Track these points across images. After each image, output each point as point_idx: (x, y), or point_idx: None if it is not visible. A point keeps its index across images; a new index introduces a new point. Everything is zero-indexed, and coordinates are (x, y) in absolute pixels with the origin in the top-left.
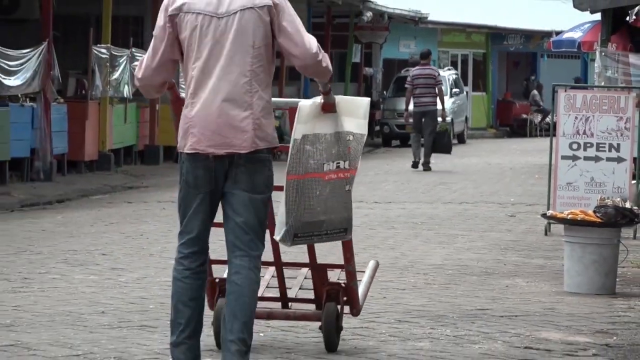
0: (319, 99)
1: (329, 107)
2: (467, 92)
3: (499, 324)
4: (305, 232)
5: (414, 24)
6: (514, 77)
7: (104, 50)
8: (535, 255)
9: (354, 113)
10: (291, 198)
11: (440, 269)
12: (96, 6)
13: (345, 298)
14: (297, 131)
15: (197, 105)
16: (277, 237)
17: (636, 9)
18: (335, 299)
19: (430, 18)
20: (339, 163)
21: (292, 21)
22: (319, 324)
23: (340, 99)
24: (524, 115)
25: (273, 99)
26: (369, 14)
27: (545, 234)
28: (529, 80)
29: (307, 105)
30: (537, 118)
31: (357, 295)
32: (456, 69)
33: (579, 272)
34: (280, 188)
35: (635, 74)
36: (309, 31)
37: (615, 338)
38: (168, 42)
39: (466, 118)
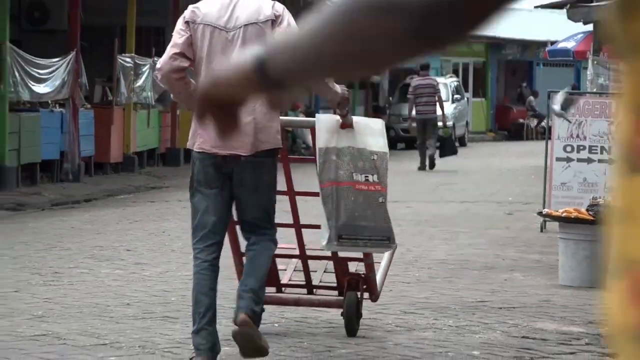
0: (336, 115)
1: (347, 126)
2: (467, 98)
3: (498, 315)
4: (349, 234)
5: None
6: (511, 84)
7: (128, 59)
8: (531, 251)
9: (373, 132)
10: (329, 204)
11: (443, 263)
12: (121, 18)
13: (364, 287)
14: (320, 140)
15: None
16: (323, 243)
17: None
18: (355, 288)
19: None
20: (367, 176)
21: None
22: (333, 313)
23: (357, 119)
24: (521, 120)
25: (290, 118)
26: None
27: (541, 231)
28: (522, 87)
29: (326, 117)
30: (533, 122)
31: (375, 284)
32: (457, 76)
33: (573, 267)
34: (316, 194)
35: None
36: None
37: (606, 328)
38: (185, 41)
39: (467, 122)
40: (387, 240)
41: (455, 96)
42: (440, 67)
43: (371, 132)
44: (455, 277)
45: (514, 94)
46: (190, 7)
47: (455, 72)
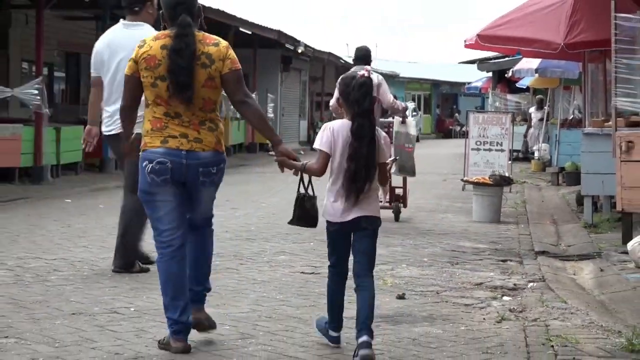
0: (401, 118)
1: (404, 121)
2: (420, 114)
3: (438, 237)
4: (403, 168)
5: (392, 78)
6: (445, 107)
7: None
8: (457, 201)
9: (411, 125)
10: (402, 156)
11: (407, 210)
12: None
13: (401, 199)
14: (396, 128)
15: None
16: (392, 171)
17: (510, 71)
18: (397, 200)
19: (401, 75)
20: (409, 145)
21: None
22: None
23: (408, 121)
24: (450, 127)
25: (389, 119)
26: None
27: (463, 190)
28: (453, 108)
29: (397, 120)
30: (457, 128)
31: (406, 199)
32: (415, 101)
33: (479, 210)
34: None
35: (510, 105)
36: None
37: (500, 245)
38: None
39: (420, 128)
40: (413, 172)
41: (414, 113)
42: (404, 97)
43: (411, 126)
44: (412, 216)
45: (447, 112)
46: None
47: (414, 99)
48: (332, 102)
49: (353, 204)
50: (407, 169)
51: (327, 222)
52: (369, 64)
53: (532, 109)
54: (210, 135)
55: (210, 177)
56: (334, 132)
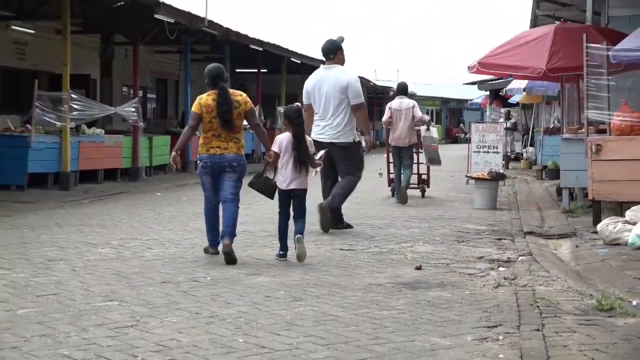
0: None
1: (429, 129)
2: (433, 124)
3: (447, 221)
4: (431, 160)
5: (411, 96)
6: (452, 118)
7: (281, 110)
8: (462, 192)
9: (433, 132)
10: (429, 152)
11: (423, 199)
12: (277, 90)
13: (426, 182)
14: (423, 134)
15: None
16: (434, 164)
17: (503, 90)
18: (423, 182)
19: (417, 94)
20: (433, 144)
21: None
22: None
23: (431, 129)
24: (457, 134)
25: (427, 134)
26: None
27: (467, 184)
28: (460, 119)
29: (424, 128)
30: (462, 135)
31: (429, 182)
32: (429, 114)
33: (480, 199)
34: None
35: (503, 117)
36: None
37: (496, 227)
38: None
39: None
40: (439, 162)
41: (429, 123)
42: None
43: (434, 132)
44: (428, 203)
45: (455, 122)
46: None
47: (427, 112)
48: (385, 118)
49: (291, 180)
50: (435, 161)
51: (279, 189)
52: (406, 94)
53: (501, 119)
54: (234, 145)
55: (233, 169)
56: (282, 140)
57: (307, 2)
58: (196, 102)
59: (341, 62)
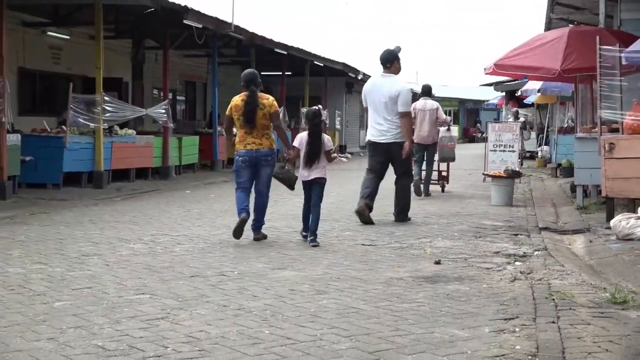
0: (445, 128)
1: (449, 129)
2: (451, 124)
3: (465, 217)
4: (445, 159)
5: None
6: (469, 118)
7: (304, 110)
8: (480, 189)
9: (454, 132)
10: (444, 151)
11: (443, 195)
12: (301, 91)
13: (445, 179)
14: (441, 134)
15: None
16: (448, 161)
17: (519, 91)
18: (442, 179)
19: (436, 95)
20: (449, 143)
21: None
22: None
23: (452, 129)
24: (474, 134)
25: (446, 134)
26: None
27: (484, 181)
28: (476, 119)
29: (444, 129)
30: (479, 135)
31: (448, 179)
32: (447, 114)
33: (496, 196)
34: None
35: (519, 117)
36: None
37: (512, 223)
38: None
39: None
40: (453, 159)
41: (450, 124)
42: None
43: (454, 132)
44: (446, 199)
45: (472, 122)
46: None
47: (445, 113)
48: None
49: (310, 171)
50: (448, 158)
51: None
52: (430, 96)
53: (510, 119)
54: (267, 141)
55: (267, 162)
56: (302, 137)
57: (314, 4)
58: (229, 105)
59: (397, 70)
